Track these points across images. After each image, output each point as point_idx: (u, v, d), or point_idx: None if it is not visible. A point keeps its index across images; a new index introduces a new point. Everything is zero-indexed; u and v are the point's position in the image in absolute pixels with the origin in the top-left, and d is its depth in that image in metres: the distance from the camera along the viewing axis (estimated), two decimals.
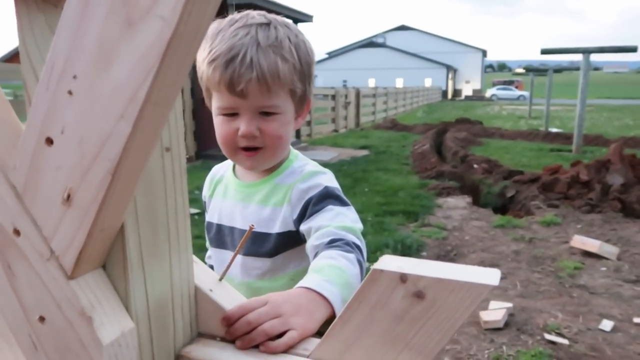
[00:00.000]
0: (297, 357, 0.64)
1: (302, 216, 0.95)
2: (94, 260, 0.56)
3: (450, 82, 60.80)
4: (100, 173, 0.49)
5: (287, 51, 0.91)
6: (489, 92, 57.09)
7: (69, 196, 0.51)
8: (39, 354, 0.58)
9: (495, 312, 2.68)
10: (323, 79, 57.40)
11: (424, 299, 0.57)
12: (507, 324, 2.65)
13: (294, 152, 1.08)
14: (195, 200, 5.96)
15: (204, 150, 9.61)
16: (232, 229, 1.03)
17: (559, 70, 19.94)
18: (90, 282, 0.56)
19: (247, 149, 0.95)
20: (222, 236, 1.06)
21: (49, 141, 0.51)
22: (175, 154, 0.63)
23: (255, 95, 0.90)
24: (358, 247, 0.88)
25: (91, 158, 0.49)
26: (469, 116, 19.22)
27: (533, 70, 21.34)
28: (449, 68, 59.34)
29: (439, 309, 0.56)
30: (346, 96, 17.24)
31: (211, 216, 1.09)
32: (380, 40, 62.68)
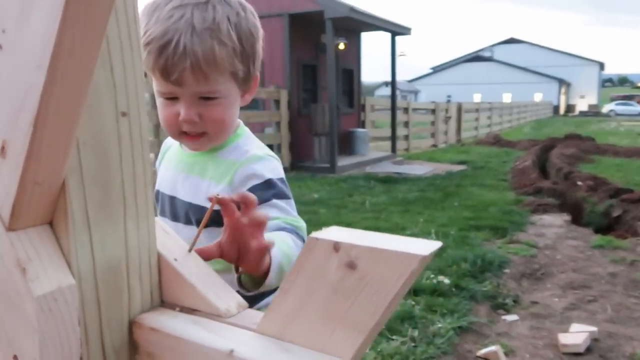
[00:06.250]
0: (245, 330, 0.62)
1: None
2: (36, 215, 0.58)
3: (562, 97, 57.05)
4: (25, 124, 0.51)
5: (225, 34, 0.87)
6: (606, 108, 52.75)
7: (3, 148, 0.54)
8: None
9: (576, 335, 2.43)
10: (426, 93, 56.53)
11: (356, 270, 0.52)
12: (589, 350, 2.39)
13: (243, 127, 1.05)
14: None
15: (298, 162, 9.85)
16: (172, 198, 1.02)
17: None
18: (32, 236, 0.58)
19: (190, 134, 0.94)
20: (163, 204, 1.04)
21: None
22: (134, 119, 0.64)
23: (191, 83, 0.88)
24: (304, 240, 0.87)
25: (18, 109, 0.51)
26: (581, 132, 17.87)
27: None
28: (561, 82, 55.76)
29: (370, 280, 0.51)
30: (447, 110, 16.85)
31: (157, 184, 1.08)
32: (487, 54, 60.49)
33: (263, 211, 0.88)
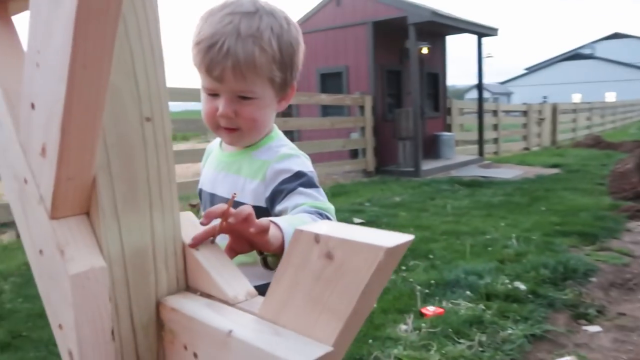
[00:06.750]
0: (248, 314, 0.68)
1: (273, 196, 1.00)
2: (73, 206, 0.68)
3: None
4: (55, 128, 0.60)
5: (266, 42, 0.96)
6: None
7: (43, 149, 0.64)
8: (42, 282, 0.72)
9: None
10: (520, 95, 53.95)
11: (333, 260, 0.56)
12: None
13: (277, 131, 1.13)
14: (362, 211, 6.16)
15: (383, 166, 9.84)
16: (212, 195, 1.11)
17: None
18: (71, 224, 0.68)
19: (226, 128, 1.04)
20: (205, 201, 1.14)
21: (32, 106, 0.64)
22: (158, 124, 0.72)
23: (230, 81, 0.98)
24: (329, 219, 0.91)
25: (50, 116, 0.61)
26: None
27: None
28: None
29: (345, 270, 0.56)
30: (540, 112, 16.03)
31: (200, 183, 1.18)
32: (587, 51, 56.51)
33: (293, 199, 0.97)
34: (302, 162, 1.05)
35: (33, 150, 0.67)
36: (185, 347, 0.70)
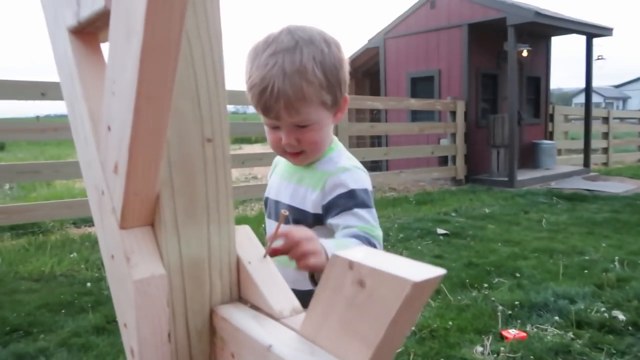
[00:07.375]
0: (290, 330, 0.71)
1: (328, 207, 1.05)
2: (140, 218, 0.75)
3: None
4: (125, 149, 0.67)
5: (311, 73, 1.03)
6: None
7: (115, 167, 0.71)
8: (113, 284, 0.80)
9: None
10: (638, 100, 49.62)
11: (365, 287, 0.58)
12: None
13: (336, 142, 1.19)
14: (447, 221, 6.00)
15: (474, 175, 9.52)
16: (277, 202, 1.20)
17: None
18: (137, 234, 0.75)
19: (291, 153, 1.11)
20: (270, 208, 1.23)
21: (109, 128, 0.72)
22: (218, 144, 0.78)
23: (286, 117, 1.06)
24: (375, 247, 0.96)
25: (121, 139, 0.68)
26: None
27: None
28: None
29: (375, 299, 0.57)
30: None
31: (266, 191, 1.27)
32: None
33: (347, 219, 1.02)
34: (359, 178, 1.10)
35: (108, 166, 0.74)
36: (233, 356, 0.75)
